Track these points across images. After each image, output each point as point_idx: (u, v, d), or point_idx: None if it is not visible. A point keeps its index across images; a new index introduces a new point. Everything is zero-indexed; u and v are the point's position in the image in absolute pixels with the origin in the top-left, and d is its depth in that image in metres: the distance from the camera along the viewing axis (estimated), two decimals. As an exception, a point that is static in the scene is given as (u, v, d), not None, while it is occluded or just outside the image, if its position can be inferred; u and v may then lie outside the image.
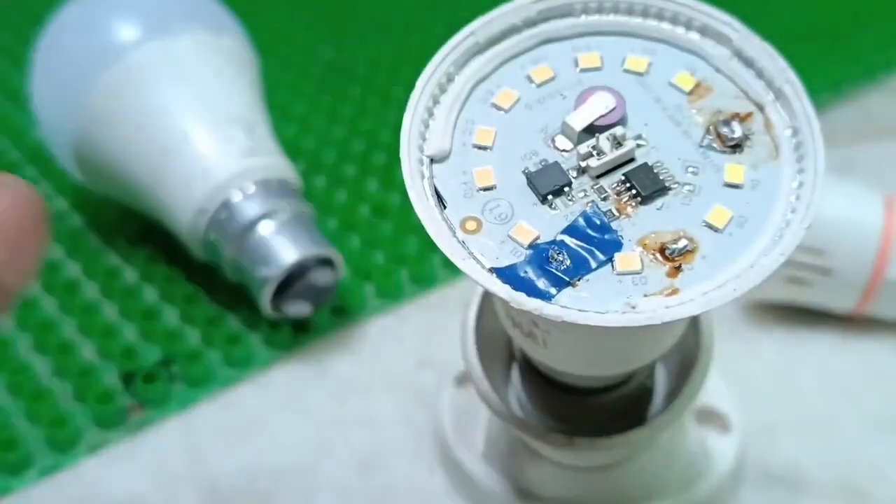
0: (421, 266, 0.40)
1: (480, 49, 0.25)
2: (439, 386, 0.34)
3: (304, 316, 0.37)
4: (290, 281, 0.36)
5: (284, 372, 0.37)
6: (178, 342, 0.37)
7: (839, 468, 0.32)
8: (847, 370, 0.36)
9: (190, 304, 0.39)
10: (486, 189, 0.23)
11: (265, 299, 0.36)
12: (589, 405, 0.28)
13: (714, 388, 0.32)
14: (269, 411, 0.35)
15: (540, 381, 0.29)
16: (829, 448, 0.33)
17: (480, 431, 0.32)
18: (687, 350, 0.28)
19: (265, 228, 0.36)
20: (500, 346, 0.30)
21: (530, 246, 0.22)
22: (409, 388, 0.35)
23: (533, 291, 0.21)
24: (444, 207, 0.23)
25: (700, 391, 0.28)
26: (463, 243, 0.22)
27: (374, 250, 0.42)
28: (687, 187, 0.23)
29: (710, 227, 0.22)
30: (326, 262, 0.37)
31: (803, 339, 0.37)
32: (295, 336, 0.38)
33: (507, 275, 0.22)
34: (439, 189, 0.23)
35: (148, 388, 0.35)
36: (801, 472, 0.32)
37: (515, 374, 0.30)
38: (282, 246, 0.36)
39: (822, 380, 0.35)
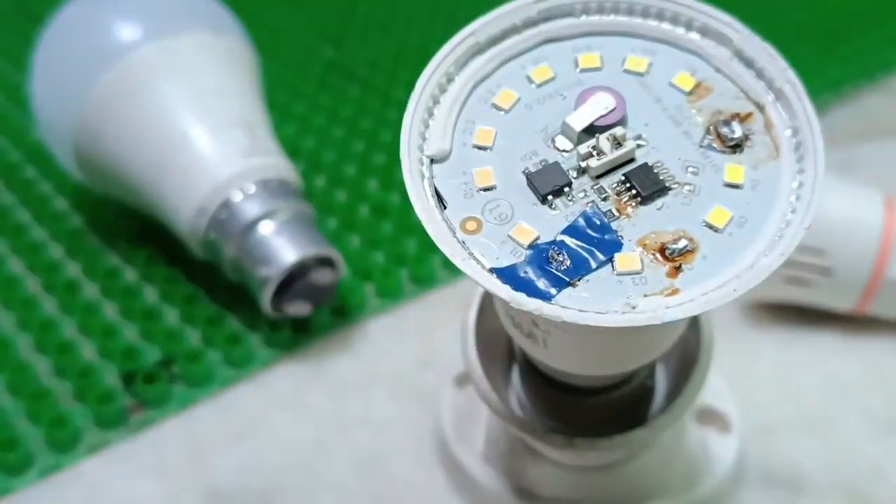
0: (421, 266, 0.40)
1: (480, 49, 0.25)
2: (439, 386, 0.34)
3: (304, 316, 0.37)
4: (291, 281, 0.36)
5: (284, 372, 0.37)
6: (178, 342, 0.37)
7: (839, 468, 0.32)
8: (847, 370, 0.35)
9: (190, 304, 0.39)
10: (486, 189, 0.23)
11: (265, 299, 0.36)
12: (589, 405, 0.28)
13: (714, 388, 0.32)
14: (269, 411, 0.35)
15: (540, 381, 0.29)
16: (829, 448, 0.33)
17: (480, 431, 0.32)
18: (687, 350, 0.28)
19: (265, 228, 0.36)
20: (500, 346, 0.30)
21: (530, 246, 0.22)
22: (409, 388, 0.35)
23: (533, 292, 0.21)
24: (444, 208, 0.23)
25: (700, 391, 0.28)
26: (463, 243, 0.22)
27: (374, 250, 0.42)
28: (687, 187, 0.23)
29: (710, 227, 0.22)
30: (327, 262, 0.37)
31: (803, 339, 0.37)
32: (295, 336, 0.38)
33: (507, 275, 0.22)
34: (439, 189, 0.23)
35: (148, 388, 0.35)
36: (801, 472, 0.32)
37: (515, 374, 0.30)
38: (282, 246, 0.36)
39: (822, 380, 0.35)
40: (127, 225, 0.43)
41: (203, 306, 0.39)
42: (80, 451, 0.34)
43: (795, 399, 0.35)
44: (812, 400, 0.35)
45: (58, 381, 0.36)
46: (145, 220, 0.41)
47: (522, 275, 0.22)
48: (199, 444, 0.34)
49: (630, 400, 0.29)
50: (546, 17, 0.25)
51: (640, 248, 0.22)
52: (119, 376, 0.36)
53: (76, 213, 0.44)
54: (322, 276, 0.37)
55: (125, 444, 0.34)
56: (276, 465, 0.33)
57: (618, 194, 0.23)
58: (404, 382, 0.36)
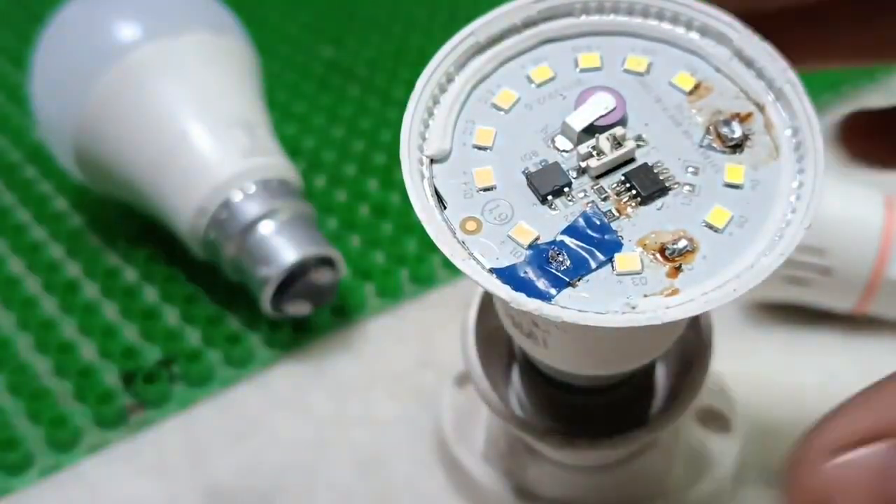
0: (421, 266, 0.40)
1: (480, 49, 0.24)
2: (439, 386, 0.34)
3: (304, 316, 0.37)
4: (291, 280, 0.36)
5: (284, 372, 0.37)
6: (178, 342, 0.37)
7: (839, 468, 0.32)
8: (847, 370, 0.35)
9: (190, 304, 0.39)
10: (486, 189, 0.23)
11: (265, 299, 0.36)
12: (589, 405, 0.28)
13: (714, 388, 0.32)
14: (269, 411, 0.35)
15: (540, 381, 0.29)
16: (830, 448, 0.33)
17: (480, 431, 0.32)
18: (687, 349, 0.28)
19: (265, 228, 0.36)
20: (500, 346, 0.30)
21: (530, 246, 0.22)
22: (409, 388, 0.35)
23: (533, 292, 0.21)
24: (444, 208, 0.23)
25: (700, 391, 0.28)
26: (463, 243, 0.22)
27: (374, 250, 0.42)
28: (687, 187, 0.23)
29: (710, 227, 0.22)
30: (327, 262, 0.37)
31: (804, 339, 0.37)
32: (295, 336, 0.38)
33: (507, 275, 0.22)
34: (439, 189, 0.23)
35: (148, 388, 0.35)
36: (801, 472, 0.32)
37: (515, 374, 0.30)
38: (282, 245, 0.36)
39: (823, 380, 0.35)
40: (127, 225, 0.43)
41: (203, 306, 0.39)
42: (80, 451, 0.34)
43: (795, 399, 0.35)
44: (812, 400, 0.35)
45: (58, 381, 0.36)
46: (145, 220, 0.41)
47: (522, 275, 0.22)
48: (199, 444, 0.34)
49: (630, 400, 0.29)
50: (546, 16, 0.25)
51: (640, 249, 0.22)
52: (119, 376, 0.36)
53: (76, 213, 0.44)
54: (322, 276, 0.37)
55: (125, 444, 0.34)
56: (276, 465, 0.33)
57: (618, 194, 0.23)
58: (404, 382, 0.36)
